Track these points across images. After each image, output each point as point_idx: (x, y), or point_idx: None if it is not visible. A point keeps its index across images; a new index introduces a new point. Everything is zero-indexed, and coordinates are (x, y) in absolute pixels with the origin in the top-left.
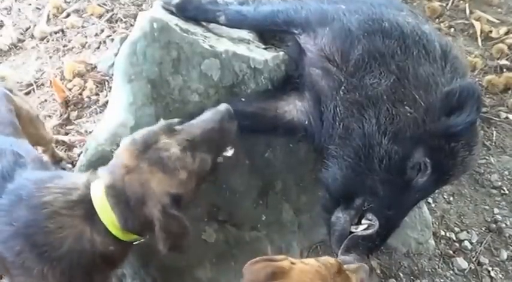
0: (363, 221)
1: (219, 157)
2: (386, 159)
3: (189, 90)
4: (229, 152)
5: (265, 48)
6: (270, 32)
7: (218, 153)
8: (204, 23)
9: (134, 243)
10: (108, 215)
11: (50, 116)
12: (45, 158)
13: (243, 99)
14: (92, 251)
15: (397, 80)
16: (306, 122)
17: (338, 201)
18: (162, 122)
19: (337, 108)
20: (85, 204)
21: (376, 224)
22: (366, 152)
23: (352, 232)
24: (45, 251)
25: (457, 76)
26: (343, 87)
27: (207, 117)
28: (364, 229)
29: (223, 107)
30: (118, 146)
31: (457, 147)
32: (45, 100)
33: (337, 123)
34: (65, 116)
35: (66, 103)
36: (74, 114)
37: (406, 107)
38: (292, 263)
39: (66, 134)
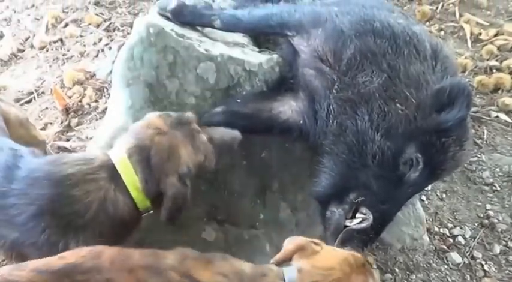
0: (357, 215)
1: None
2: (379, 155)
3: (186, 93)
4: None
5: (259, 52)
6: (264, 34)
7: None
8: (199, 28)
9: (143, 215)
10: (130, 176)
11: (51, 123)
12: None
13: (239, 101)
14: (113, 215)
15: (388, 78)
16: (301, 121)
17: (332, 197)
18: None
19: (331, 106)
20: (107, 168)
21: (370, 217)
22: (359, 148)
23: (347, 226)
24: (71, 220)
25: (447, 74)
26: (336, 86)
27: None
28: (359, 223)
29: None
30: None
31: (448, 142)
32: (46, 108)
33: (330, 121)
34: (66, 123)
35: (66, 110)
36: (74, 121)
37: (398, 104)
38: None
39: (68, 140)
